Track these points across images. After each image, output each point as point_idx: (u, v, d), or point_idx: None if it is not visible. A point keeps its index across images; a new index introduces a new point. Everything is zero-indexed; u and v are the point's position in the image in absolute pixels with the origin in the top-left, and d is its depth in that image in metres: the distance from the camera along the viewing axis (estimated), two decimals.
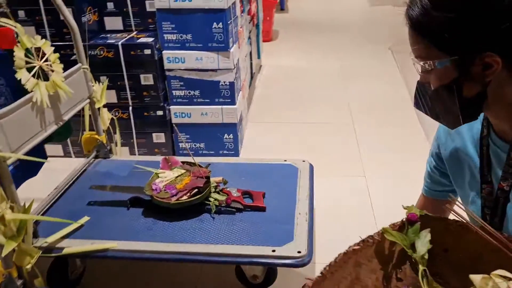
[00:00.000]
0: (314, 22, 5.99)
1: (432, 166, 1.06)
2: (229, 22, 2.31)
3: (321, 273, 0.77)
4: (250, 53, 3.57)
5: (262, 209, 1.53)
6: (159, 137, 2.54)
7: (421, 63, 0.79)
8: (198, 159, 1.67)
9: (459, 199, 1.01)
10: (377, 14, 6.26)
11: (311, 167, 1.84)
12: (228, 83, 2.39)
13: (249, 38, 3.48)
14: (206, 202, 1.54)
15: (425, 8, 0.75)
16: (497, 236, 0.75)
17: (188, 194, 1.52)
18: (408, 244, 0.83)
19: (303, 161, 1.87)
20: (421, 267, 0.80)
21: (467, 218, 0.82)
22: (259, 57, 4.19)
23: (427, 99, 0.83)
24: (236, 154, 2.55)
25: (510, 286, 0.67)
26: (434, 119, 0.85)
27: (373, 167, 2.41)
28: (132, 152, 2.58)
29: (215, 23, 2.28)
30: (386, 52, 4.46)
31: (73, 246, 1.38)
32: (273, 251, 1.33)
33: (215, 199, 1.54)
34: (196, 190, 1.53)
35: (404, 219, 0.85)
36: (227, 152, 2.55)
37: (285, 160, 1.89)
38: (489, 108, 0.79)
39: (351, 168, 2.42)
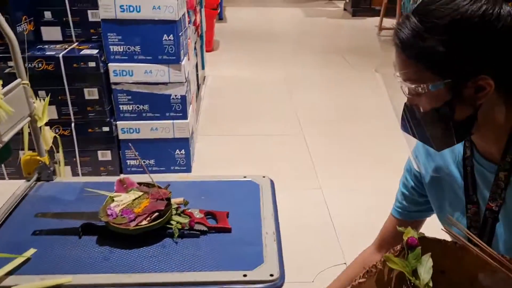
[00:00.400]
0: (253, 32, 6.04)
1: (409, 187, 1.05)
2: (180, 34, 2.24)
3: None
4: (196, 64, 3.50)
5: (228, 230, 1.46)
6: (105, 155, 2.40)
7: (413, 86, 0.78)
8: (146, 177, 1.58)
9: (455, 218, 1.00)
10: (313, 25, 6.44)
11: (272, 183, 1.80)
12: (179, 97, 2.30)
13: (195, 48, 3.41)
14: (168, 226, 1.44)
15: (416, 31, 0.74)
16: (497, 257, 0.75)
17: (148, 218, 1.42)
18: (410, 270, 0.81)
19: (264, 177, 1.83)
20: None
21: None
22: (203, 68, 4.13)
23: (416, 122, 0.81)
24: (188, 170, 2.46)
25: None
26: (422, 141, 0.84)
27: (328, 179, 2.42)
28: (74, 172, 2.41)
29: (165, 35, 2.19)
30: (326, 62, 4.57)
31: (20, 284, 1.23)
32: (245, 275, 1.26)
33: (177, 222, 1.45)
34: (156, 213, 1.43)
35: (403, 243, 0.84)
36: (179, 168, 2.46)
37: (245, 177, 1.83)
38: (479, 130, 0.79)
39: (307, 181, 2.42)
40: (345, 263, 1.54)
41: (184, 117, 2.32)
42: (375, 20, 6.44)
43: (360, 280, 0.79)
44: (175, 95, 2.27)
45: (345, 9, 8.39)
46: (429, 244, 0.84)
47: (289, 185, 2.33)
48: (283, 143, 2.86)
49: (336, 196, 2.20)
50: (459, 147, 0.89)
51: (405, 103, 0.83)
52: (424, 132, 0.81)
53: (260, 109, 3.43)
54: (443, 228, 0.89)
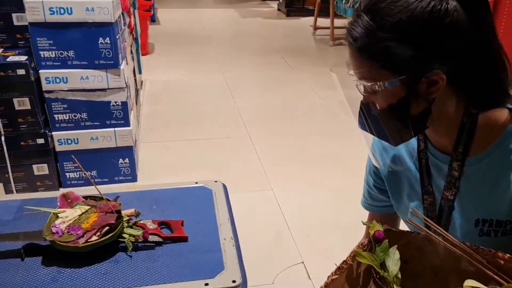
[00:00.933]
0: (188, 34, 5.96)
1: (371, 185, 1.06)
2: (117, 37, 2.14)
3: None
4: (134, 68, 3.38)
5: (184, 239, 1.41)
6: (41, 169, 2.24)
7: (369, 84, 0.78)
8: (91, 190, 1.49)
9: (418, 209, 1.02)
10: (248, 25, 6.47)
11: (225, 188, 1.76)
12: (120, 103, 2.20)
13: (131, 52, 3.29)
14: (120, 239, 1.36)
15: (369, 29, 0.74)
16: (460, 246, 0.77)
17: (98, 233, 1.34)
18: (378, 263, 0.81)
19: (215, 181, 1.79)
20: (395, 287, 0.78)
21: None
22: (140, 72, 4.00)
23: (373, 119, 0.82)
24: (134, 179, 2.36)
25: None
26: (379, 137, 0.85)
27: (278, 179, 2.43)
28: (8, 189, 2.23)
29: (101, 38, 2.08)
30: (265, 62, 4.60)
31: None
32: (206, 284, 1.22)
33: (130, 235, 1.37)
34: (107, 228, 1.35)
35: (370, 238, 0.84)
36: (124, 178, 2.35)
37: (196, 183, 1.78)
38: (432, 123, 0.81)
39: (257, 183, 2.41)
40: (302, 262, 1.53)
41: (126, 124, 2.22)
42: (309, 19, 6.58)
43: (333, 277, 0.79)
44: (115, 102, 2.17)
45: (279, 9, 8.51)
46: (394, 236, 0.85)
47: (240, 188, 2.31)
48: (230, 146, 2.83)
49: (288, 196, 2.21)
50: (413, 141, 0.91)
51: (361, 101, 0.84)
52: (381, 128, 0.82)
53: (203, 113, 3.37)
54: (407, 220, 0.91)
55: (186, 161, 2.63)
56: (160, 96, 3.77)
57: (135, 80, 3.45)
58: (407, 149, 0.93)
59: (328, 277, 0.79)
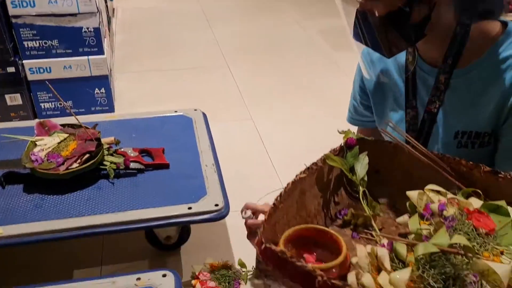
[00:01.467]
0: None
1: (358, 101, 1.07)
2: None
3: (273, 204, 0.76)
4: None
5: (166, 166, 1.42)
6: (14, 99, 2.17)
7: None
8: (68, 120, 1.47)
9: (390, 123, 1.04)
10: None
11: (205, 116, 1.76)
12: (92, 29, 2.10)
13: None
14: (101, 167, 1.37)
15: None
16: (428, 154, 0.81)
17: (79, 161, 1.33)
18: (347, 168, 0.85)
19: (195, 110, 1.78)
20: (361, 189, 0.83)
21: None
22: None
23: (368, 29, 0.80)
24: (111, 109, 2.32)
25: (440, 199, 0.73)
26: (373, 49, 0.83)
27: (257, 109, 2.42)
28: None
29: None
30: None
31: None
32: (189, 208, 1.25)
33: (111, 163, 1.38)
34: (87, 155, 1.34)
35: (342, 144, 0.87)
36: (101, 109, 2.30)
37: (176, 111, 1.77)
38: (430, 31, 0.80)
39: (237, 113, 2.40)
40: (283, 188, 1.58)
41: (100, 52, 2.14)
42: None
43: (301, 175, 0.82)
44: (87, 28, 2.07)
45: None
46: (366, 145, 0.88)
47: (220, 117, 2.29)
48: (208, 76, 2.78)
49: (267, 125, 2.21)
50: (401, 55, 0.91)
51: (357, 10, 0.82)
52: (377, 38, 0.81)
53: (180, 42, 3.26)
54: (380, 129, 0.93)
55: (163, 92, 2.59)
56: (133, 24, 3.61)
57: (107, 7, 3.29)
58: (395, 63, 0.94)
59: (297, 175, 0.81)
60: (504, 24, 0.83)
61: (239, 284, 1.36)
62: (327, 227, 0.83)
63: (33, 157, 1.31)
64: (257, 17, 3.80)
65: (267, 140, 2.15)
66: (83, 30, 2.10)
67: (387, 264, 0.64)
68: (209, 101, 2.51)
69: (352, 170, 0.85)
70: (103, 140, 1.41)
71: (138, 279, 1.08)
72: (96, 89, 2.26)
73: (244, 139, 2.17)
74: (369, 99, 1.04)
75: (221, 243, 1.51)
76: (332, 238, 0.72)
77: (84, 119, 1.69)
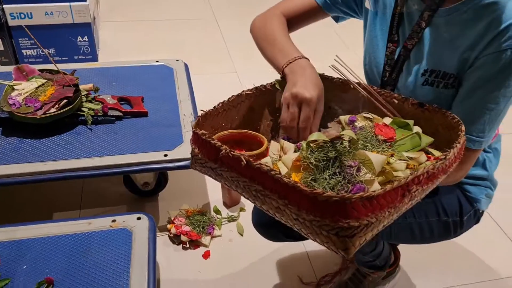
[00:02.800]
0: None
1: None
2: None
3: (214, 107, 0.82)
4: None
5: (144, 114, 1.44)
6: None
7: None
8: (48, 67, 1.47)
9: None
10: None
11: (186, 66, 1.76)
12: None
13: None
14: (79, 113, 1.38)
15: None
16: (369, 89, 0.87)
17: (57, 106, 1.34)
18: None
19: (177, 60, 1.78)
20: None
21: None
22: None
23: None
24: (94, 58, 2.29)
25: (367, 123, 0.81)
26: None
27: (242, 62, 2.41)
28: None
29: None
30: None
31: None
32: (165, 155, 1.28)
33: (89, 109, 1.39)
34: (65, 100, 1.35)
35: None
36: (84, 57, 2.27)
37: (157, 61, 1.76)
38: None
39: (221, 65, 2.38)
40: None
41: None
42: None
43: (247, 92, 0.88)
44: None
45: None
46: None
47: (204, 69, 2.28)
48: (194, 27, 2.74)
49: (252, 78, 2.21)
50: None
51: None
52: None
53: None
54: (330, 65, 0.94)
55: (148, 42, 2.55)
56: None
57: None
58: None
59: (243, 91, 0.87)
60: None
61: (213, 229, 1.41)
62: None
63: (10, 101, 1.32)
64: None
65: None
66: None
67: (290, 152, 0.75)
68: (195, 53, 2.49)
69: None
70: (81, 87, 1.42)
71: (113, 221, 1.12)
72: (79, 37, 2.23)
73: (226, 91, 2.16)
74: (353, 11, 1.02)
75: (198, 191, 1.55)
76: (260, 140, 0.80)
77: (64, 66, 1.69)
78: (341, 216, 0.58)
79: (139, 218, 1.13)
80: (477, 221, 1.07)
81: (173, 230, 1.35)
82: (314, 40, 2.58)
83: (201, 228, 1.37)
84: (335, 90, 0.93)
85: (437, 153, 0.74)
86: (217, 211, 1.47)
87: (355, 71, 0.90)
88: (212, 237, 1.39)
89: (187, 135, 1.36)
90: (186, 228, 1.35)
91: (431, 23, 0.87)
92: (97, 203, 1.51)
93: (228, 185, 0.73)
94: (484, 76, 0.81)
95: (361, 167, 0.65)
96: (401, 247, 1.32)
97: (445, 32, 0.85)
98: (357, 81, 0.90)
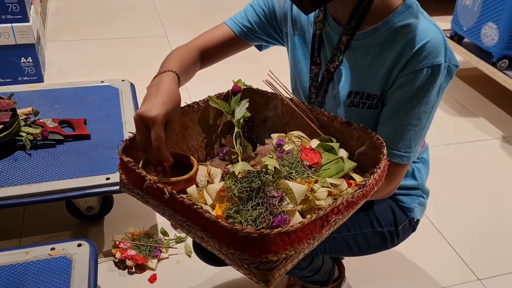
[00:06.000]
0: None
1: (262, 12, 1.01)
2: None
3: None
4: None
5: (86, 136, 1.41)
6: None
7: None
8: None
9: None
10: None
11: (133, 86, 1.74)
12: None
13: None
14: (17, 138, 1.34)
15: None
16: (300, 105, 0.89)
17: None
18: (229, 111, 0.92)
19: (123, 80, 1.76)
20: (236, 129, 0.91)
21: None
22: None
23: None
24: (40, 79, 2.23)
25: (294, 147, 0.82)
26: (295, 2, 0.84)
27: (193, 80, 2.40)
28: None
29: None
30: None
31: None
32: (108, 178, 1.26)
33: (28, 134, 1.35)
34: (1, 126, 1.31)
35: (229, 90, 0.94)
36: (28, 79, 2.21)
37: (102, 82, 1.74)
38: None
39: None
40: None
41: (25, 19, 2.04)
42: None
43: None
44: None
45: None
46: (254, 95, 0.96)
47: None
48: (145, 46, 2.72)
49: (201, 93, 2.20)
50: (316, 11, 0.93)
51: None
52: None
53: (117, 9, 3.15)
54: (264, 80, 0.97)
55: (98, 62, 2.51)
56: None
57: None
58: (311, 17, 0.95)
59: None
60: None
61: (160, 251, 1.39)
62: (207, 161, 0.94)
63: None
64: None
65: None
66: None
67: (216, 180, 0.76)
68: (145, 71, 2.46)
69: (233, 114, 0.92)
70: (19, 111, 1.38)
71: (52, 249, 1.09)
72: (23, 58, 2.17)
73: None
74: (272, 22, 1.02)
75: (144, 213, 1.53)
76: (190, 162, 0.80)
77: (4, 89, 1.64)
78: (260, 251, 0.59)
79: (79, 245, 1.10)
80: (413, 229, 1.11)
81: (118, 255, 1.32)
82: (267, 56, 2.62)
83: (147, 252, 1.35)
84: (270, 104, 0.95)
85: (358, 179, 0.76)
86: (164, 233, 1.45)
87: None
88: (159, 260, 1.37)
89: None
90: (132, 252, 1.32)
91: (350, 46, 0.90)
92: (39, 230, 1.46)
93: (156, 211, 0.73)
94: (404, 95, 0.85)
95: (284, 196, 0.66)
96: (346, 260, 1.34)
97: (365, 55, 0.89)
98: (289, 97, 0.92)
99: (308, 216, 0.62)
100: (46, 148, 1.35)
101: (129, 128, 1.47)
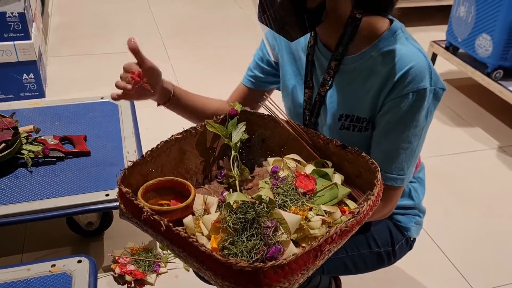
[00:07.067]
0: None
1: (264, 59, 1.08)
2: None
3: (142, 156, 0.83)
4: None
5: (86, 153, 1.44)
6: None
7: None
8: None
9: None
10: None
11: (132, 102, 1.77)
12: (17, 14, 2.04)
13: None
14: (19, 156, 1.37)
15: None
16: (296, 128, 0.91)
17: None
18: (226, 134, 0.94)
19: None
20: (233, 153, 0.92)
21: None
22: None
23: (272, 13, 0.85)
24: (42, 95, 2.27)
25: (292, 165, 0.85)
26: (277, 32, 0.88)
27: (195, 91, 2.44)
28: None
29: None
30: None
31: None
32: (107, 195, 1.28)
33: (29, 151, 1.38)
34: (3, 144, 1.34)
35: (226, 114, 0.95)
36: (30, 94, 2.25)
37: (102, 98, 1.77)
38: (326, 18, 0.87)
39: None
40: None
41: (27, 37, 2.08)
42: None
43: (177, 136, 0.90)
44: (11, 13, 2.01)
45: None
46: (251, 117, 0.97)
47: (152, 103, 2.30)
48: None
49: None
50: (307, 36, 0.97)
51: None
52: (279, 22, 0.86)
53: (118, 24, 3.20)
54: (260, 103, 1.02)
55: (99, 76, 2.55)
56: (71, 5, 3.50)
57: None
58: (302, 43, 0.99)
59: (173, 135, 0.89)
60: (391, 21, 0.91)
61: (159, 266, 1.41)
62: (205, 184, 0.95)
63: None
64: None
65: None
66: (7, 15, 2.04)
67: (212, 209, 0.77)
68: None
69: (231, 137, 0.94)
70: (21, 129, 1.41)
71: (53, 265, 1.11)
72: (24, 74, 2.21)
73: (174, 123, 2.19)
74: (269, 70, 1.07)
75: None
76: (188, 188, 0.82)
77: (6, 106, 1.67)
78: (254, 285, 0.61)
79: (79, 261, 1.12)
80: (410, 248, 1.12)
81: (118, 270, 1.34)
82: None
83: (146, 267, 1.37)
84: (267, 125, 0.97)
85: (352, 205, 0.78)
86: (163, 248, 1.47)
87: None
88: (157, 275, 1.39)
89: None
90: (131, 267, 1.34)
91: (340, 71, 0.92)
92: (40, 246, 1.48)
93: (155, 239, 0.75)
94: (393, 119, 0.87)
95: (279, 226, 0.68)
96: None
97: (353, 79, 0.91)
98: (285, 119, 0.94)
99: (302, 245, 0.64)
100: (47, 165, 1.38)
101: (128, 144, 1.50)
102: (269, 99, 0.99)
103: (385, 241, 1.06)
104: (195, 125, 0.93)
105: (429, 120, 0.89)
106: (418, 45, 0.89)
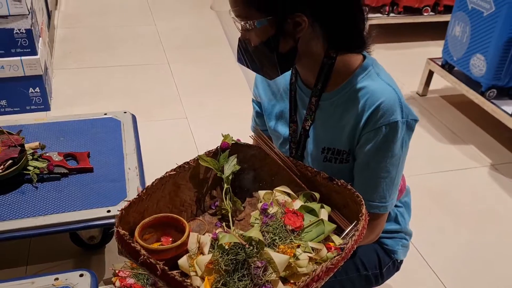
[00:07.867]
0: None
1: (256, 113, 1.17)
2: None
3: (138, 195, 0.87)
4: None
5: (89, 169, 1.50)
6: None
7: (242, 22, 0.86)
8: (2, 118, 1.51)
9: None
10: None
11: (134, 118, 1.83)
12: (24, 31, 2.11)
13: None
14: (25, 172, 1.43)
15: None
16: (285, 160, 0.97)
17: (2, 167, 1.39)
18: (218, 167, 0.98)
19: (125, 112, 1.85)
20: (225, 186, 0.97)
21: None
22: None
23: (249, 55, 0.91)
24: (47, 108, 2.34)
25: (282, 198, 0.89)
26: (255, 72, 0.94)
27: (193, 107, 2.50)
28: None
29: None
30: None
31: None
32: (108, 211, 1.33)
33: (35, 168, 1.44)
34: (10, 161, 1.40)
35: (218, 147, 1.00)
36: (36, 107, 2.32)
37: (105, 114, 1.83)
38: (300, 60, 0.93)
39: (172, 111, 2.47)
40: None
41: (33, 52, 2.15)
42: None
43: (171, 173, 0.94)
44: (19, 29, 2.08)
45: None
46: (241, 149, 1.01)
47: (155, 116, 2.36)
48: (148, 73, 2.82)
49: (202, 125, 2.30)
50: (289, 74, 1.03)
51: (239, 38, 0.92)
52: (256, 63, 0.92)
53: (122, 37, 3.28)
54: (250, 136, 1.06)
55: (102, 89, 2.62)
56: (77, 17, 3.58)
57: (46, 1, 3.24)
58: (285, 81, 1.05)
59: (166, 172, 0.93)
60: (365, 57, 0.96)
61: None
62: (200, 215, 0.99)
63: None
64: (203, 10, 3.84)
65: (199, 139, 2.24)
66: (15, 31, 2.11)
67: (205, 249, 0.81)
68: (146, 99, 2.57)
69: (223, 170, 0.98)
70: (27, 146, 1.47)
71: (56, 279, 1.17)
72: (31, 88, 2.28)
73: (176, 138, 2.25)
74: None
75: None
76: (183, 224, 0.86)
77: (13, 121, 1.73)
78: None
79: (81, 275, 1.17)
80: (397, 269, 1.17)
81: (118, 283, 1.39)
82: None
83: (145, 280, 1.42)
84: (257, 156, 1.02)
85: (338, 241, 0.82)
86: None
87: None
88: None
89: (131, 189, 1.42)
90: (131, 281, 1.39)
91: (320, 106, 0.98)
92: (44, 259, 1.54)
93: (152, 278, 0.80)
94: (370, 151, 0.92)
95: (268, 266, 0.72)
96: None
97: (332, 114, 0.97)
98: (275, 152, 0.99)
99: (291, 282, 0.68)
100: (51, 181, 1.43)
101: (129, 161, 1.56)
102: (259, 131, 1.04)
103: (372, 264, 1.10)
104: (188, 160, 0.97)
105: (405, 150, 0.94)
106: (389, 79, 0.94)
